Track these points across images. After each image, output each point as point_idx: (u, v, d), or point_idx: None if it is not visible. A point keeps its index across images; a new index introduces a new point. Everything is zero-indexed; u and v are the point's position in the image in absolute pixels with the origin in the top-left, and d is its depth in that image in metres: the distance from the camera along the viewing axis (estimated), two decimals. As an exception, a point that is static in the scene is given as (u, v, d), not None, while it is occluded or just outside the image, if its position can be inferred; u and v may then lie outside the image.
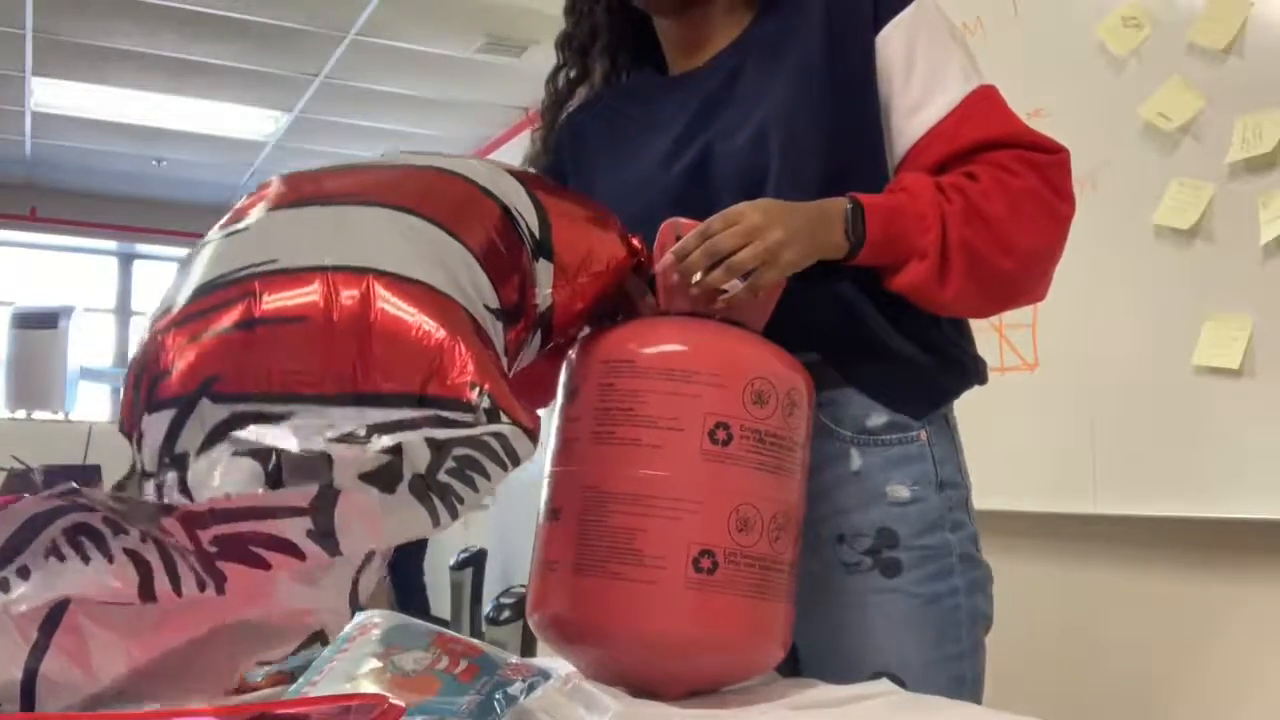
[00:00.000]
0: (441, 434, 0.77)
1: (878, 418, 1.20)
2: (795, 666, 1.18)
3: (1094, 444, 2.16)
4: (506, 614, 4.52)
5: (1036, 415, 2.33)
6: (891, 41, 1.18)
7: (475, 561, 5.42)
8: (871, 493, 1.18)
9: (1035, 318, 2.36)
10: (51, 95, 5.71)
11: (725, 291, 1.06)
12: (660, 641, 0.96)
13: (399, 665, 0.90)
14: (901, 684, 1.12)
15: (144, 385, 0.84)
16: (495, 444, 0.79)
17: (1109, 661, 2.26)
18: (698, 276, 1.05)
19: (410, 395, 0.79)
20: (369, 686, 0.85)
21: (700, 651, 0.97)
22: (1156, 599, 2.20)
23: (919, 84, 1.17)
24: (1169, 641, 2.18)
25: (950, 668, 1.16)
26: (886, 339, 1.18)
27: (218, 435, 0.79)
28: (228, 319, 0.81)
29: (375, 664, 0.90)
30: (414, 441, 0.76)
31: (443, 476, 0.78)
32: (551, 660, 1.11)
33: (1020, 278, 1.16)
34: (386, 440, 0.77)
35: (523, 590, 4.26)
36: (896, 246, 1.12)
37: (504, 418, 0.80)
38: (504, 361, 0.92)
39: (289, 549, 0.72)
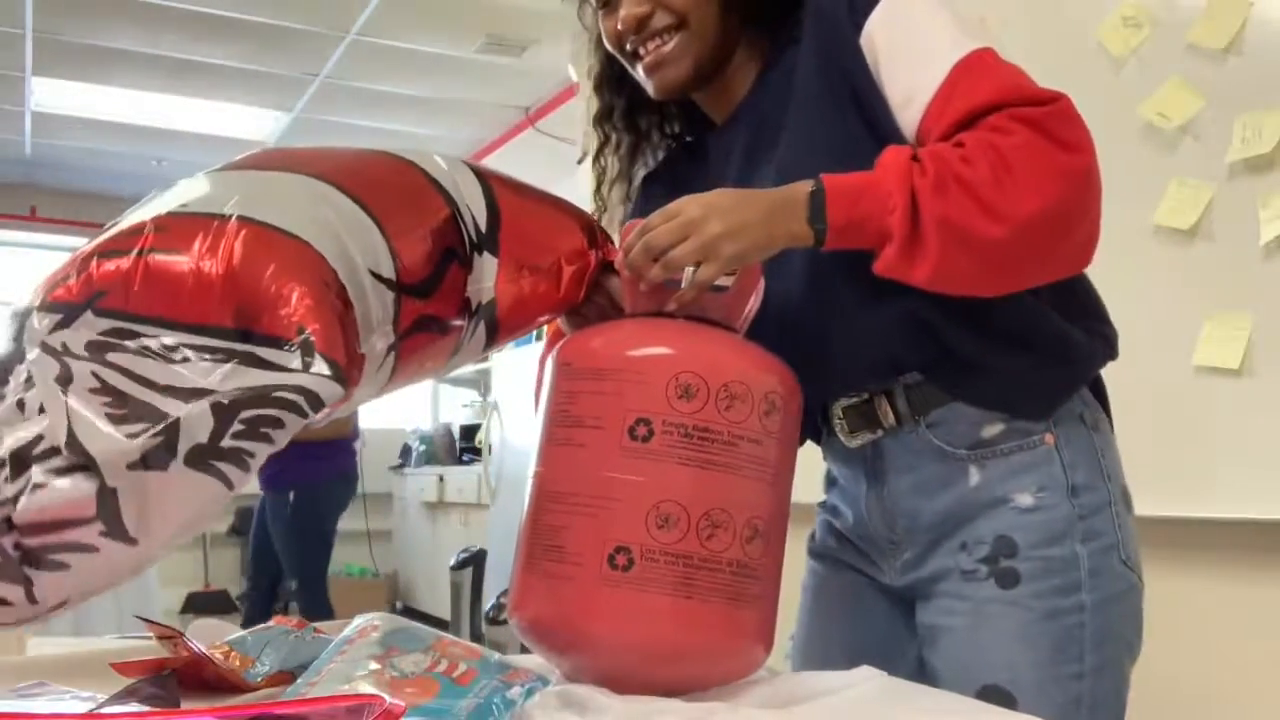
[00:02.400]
0: (229, 395, 0.83)
1: (993, 427, 1.15)
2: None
3: (1094, 444, 2.15)
4: (506, 614, 4.52)
5: (1036, 415, 2.32)
6: (874, 40, 1.14)
7: (475, 561, 5.43)
8: (993, 501, 1.14)
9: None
10: (51, 95, 5.71)
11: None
12: (585, 640, 0.97)
13: (398, 667, 0.90)
14: (1011, 699, 1.08)
15: (43, 289, 0.94)
16: (298, 398, 0.85)
17: (1109, 662, 2.26)
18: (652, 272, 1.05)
19: (240, 331, 0.87)
20: (367, 688, 0.85)
21: (627, 650, 0.97)
22: (1155, 599, 2.20)
23: (905, 75, 1.12)
24: (1168, 641, 2.18)
25: (1067, 688, 1.10)
26: (974, 348, 1.13)
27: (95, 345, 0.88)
28: (130, 248, 0.92)
29: (374, 666, 0.90)
30: (194, 412, 0.82)
31: (228, 442, 0.82)
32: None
33: (1023, 244, 1.04)
34: (163, 416, 0.82)
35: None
36: (866, 229, 1.05)
37: (318, 359, 0.86)
38: (386, 326, 0.99)
39: (87, 549, 0.80)
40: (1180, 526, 2.12)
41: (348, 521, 7.17)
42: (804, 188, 1.06)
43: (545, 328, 1.27)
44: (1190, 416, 2.03)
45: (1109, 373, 1.28)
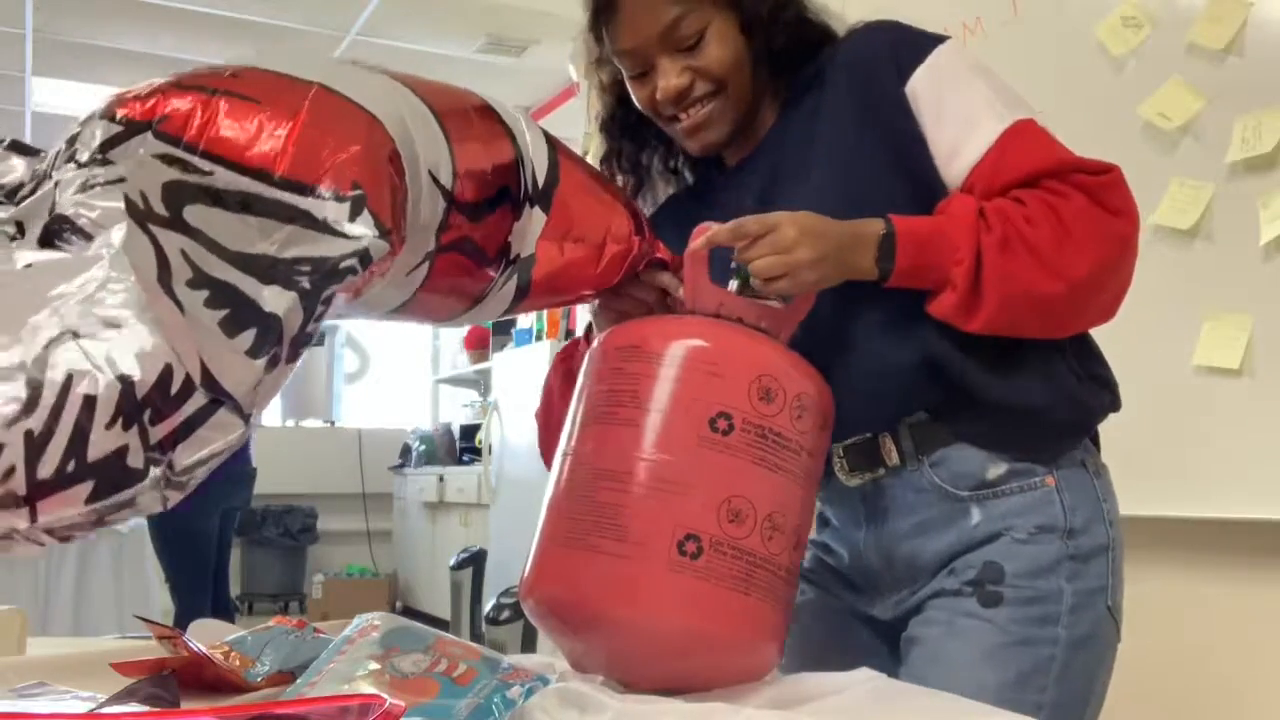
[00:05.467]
0: (309, 278, 0.86)
1: (997, 468, 1.16)
2: None
3: (1094, 444, 2.16)
4: (506, 614, 4.52)
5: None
6: (918, 95, 1.16)
7: (475, 561, 5.42)
8: (991, 535, 1.15)
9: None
10: (51, 95, 5.71)
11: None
12: (636, 623, 0.96)
13: (397, 667, 0.90)
14: None
15: (113, 100, 0.97)
16: (354, 261, 0.88)
17: (1109, 662, 2.26)
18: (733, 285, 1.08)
19: (294, 181, 0.89)
20: (367, 688, 0.85)
21: (678, 638, 0.96)
22: (1156, 599, 2.20)
23: (951, 130, 1.15)
24: (1168, 642, 2.18)
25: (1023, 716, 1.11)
26: (989, 393, 1.15)
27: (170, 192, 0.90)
28: (207, 85, 0.94)
29: (374, 666, 0.90)
30: (289, 308, 0.86)
31: (311, 325, 0.87)
32: (550, 657, 1.11)
33: (1074, 300, 1.11)
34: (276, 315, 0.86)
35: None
36: (929, 274, 1.10)
37: (366, 215, 0.88)
38: (430, 231, 1.00)
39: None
40: (1180, 526, 2.12)
41: (348, 522, 7.24)
42: (875, 227, 1.09)
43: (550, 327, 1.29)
44: (1190, 416, 2.03)
45: (1114, 371, 1.28)
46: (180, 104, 0.92)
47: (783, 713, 0.90)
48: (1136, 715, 2.23)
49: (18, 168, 0.99)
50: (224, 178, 0.89)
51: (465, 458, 6.52)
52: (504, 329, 5.96)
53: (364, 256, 0.88)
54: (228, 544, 4.87)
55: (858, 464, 1.20)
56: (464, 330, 6.59)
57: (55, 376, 0.80)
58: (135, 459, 0.81)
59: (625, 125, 1.34)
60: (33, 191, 0.95)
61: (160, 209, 0.87)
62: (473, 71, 5.34)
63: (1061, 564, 1.14)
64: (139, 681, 0.94)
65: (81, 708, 0.89)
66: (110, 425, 0.80)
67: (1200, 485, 2.02)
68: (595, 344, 1.08)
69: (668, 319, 1.11)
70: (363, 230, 0.88)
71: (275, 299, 0.85)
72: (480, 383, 6.71)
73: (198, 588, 4.55)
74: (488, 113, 1.10)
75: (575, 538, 0.98)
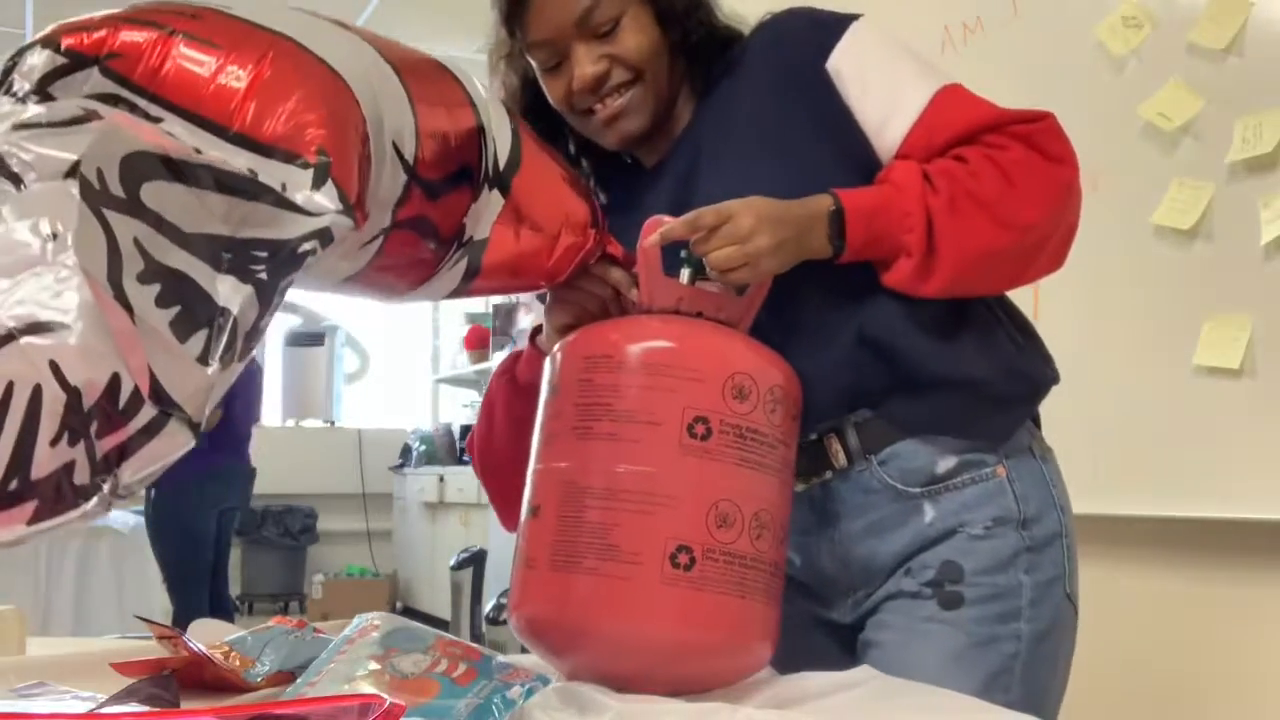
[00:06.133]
0: (265, 267, 0.81)
1: (946, 461, 1.15)
2: None
3: (1094, 444, 2.15)
4: (506, 614, 4.53)
5: (1036, 415, 2.32)
6: (841, 68, 1.17)
7: (475, 561, 5.42)
8: (947, 532, 1.15)
9: (1035, 316, 2.35)
10: (51, 95, 5.71)
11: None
12: (635, 639, 0.96)
13: (398, 667, 0.90)
14: None
15: (58, 28, 0.90)
16: (314, 243, 0.83)
17: (1107, 663, 2.26)
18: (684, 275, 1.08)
19: (261, 143, 0.84)
20: (367, 688, 0.85)
21: (678, 650, 0.96)
22: (1155, 599, 2.20)
23: (879, 101, 1.16)
24: (1168, 642, 2.18)
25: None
26: (930, 366, 1.14)
27: (92, 99, 0.86)
28: (163, 23, 0.88)
29: (374, 666, 0.90)
30: (245, 303, 0.81)
31: (265, 319, 0.83)
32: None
33: (1024, 249, 1.12)
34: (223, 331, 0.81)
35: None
36: (882, 245, 1.10)
37: (330, 186, 0.84)
38: (389, 206, 0.96)
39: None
40: (1180, 526, 2.12)
41: (348, 521, 7.24)
42: (823, 204, 1.09)
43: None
44: (1190, 416, 2.02)
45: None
46: (132, 40, 0.86)
47: (782, 712, 0.90)
48: (1136, 714, 2.23)
49: None
50: (174, 126, 0.83)
51: (465, 458, 6.52)
52: (504, 329, 5.95)
53: (325, 236, 0.83)
54: (227, 544, 4.85)
55: (805, 468, 1.17)
56: (464, 330, 6.59)
57: None
58: (81, 475, 0.76)
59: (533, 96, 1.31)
60: None
61: (117, 189, 0.80)
62: (473, 71, 5.33)
63: (1019, 556, 1.14)
64: (139, 681, 0.94)
65: (81, 708, 0.89)
66: (55, 441, 0.75)
67: (1200, 485, 2.02)
68: (558, 351, 1.06)
69: (631, 322, 1.09)
70: (325, 204, 0.83)
71: (230, 293, 0.80)
72: (480, 383, 6.71)
73: (194, 587, 4.54)
74: (451, 79, 1.07)
75: (568, 560, 0.97)
